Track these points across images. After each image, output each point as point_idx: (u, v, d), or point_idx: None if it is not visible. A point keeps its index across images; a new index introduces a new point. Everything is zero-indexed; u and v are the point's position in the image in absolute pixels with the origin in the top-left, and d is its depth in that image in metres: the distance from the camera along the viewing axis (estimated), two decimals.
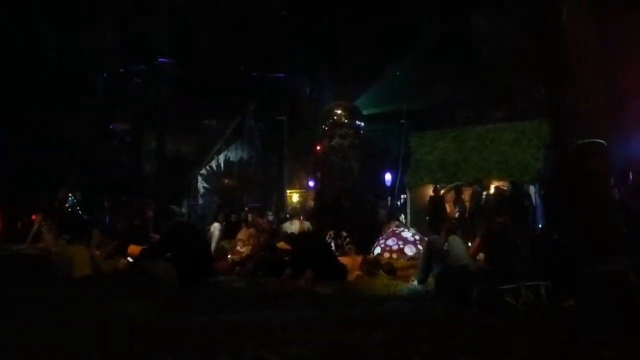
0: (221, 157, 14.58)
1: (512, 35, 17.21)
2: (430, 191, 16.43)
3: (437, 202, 13.38)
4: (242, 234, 10.12)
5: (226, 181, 14.85)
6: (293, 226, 9.29)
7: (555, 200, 5.47)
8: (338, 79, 21.45)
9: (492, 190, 14.02)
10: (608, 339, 3.06)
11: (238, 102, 16.74)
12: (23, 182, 14.54)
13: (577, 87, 4.41)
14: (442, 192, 14.13)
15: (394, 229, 9.66)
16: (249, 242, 9.14)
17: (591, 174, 4.30)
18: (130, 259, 6.69)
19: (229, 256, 8.61)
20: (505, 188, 13.83)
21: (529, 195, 12.01)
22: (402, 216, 12.40)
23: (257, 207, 11.79)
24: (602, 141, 4.30)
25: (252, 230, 10.15)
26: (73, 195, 12.71)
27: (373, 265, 6.94)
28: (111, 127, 18.21)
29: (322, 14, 20.34)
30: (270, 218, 12.30)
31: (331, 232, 8.94)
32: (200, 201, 14.06)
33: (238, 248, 9.33)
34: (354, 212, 11.02)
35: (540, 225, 10.79)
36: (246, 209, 12.94)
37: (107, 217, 13.53)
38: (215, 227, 10.51)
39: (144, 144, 17.53)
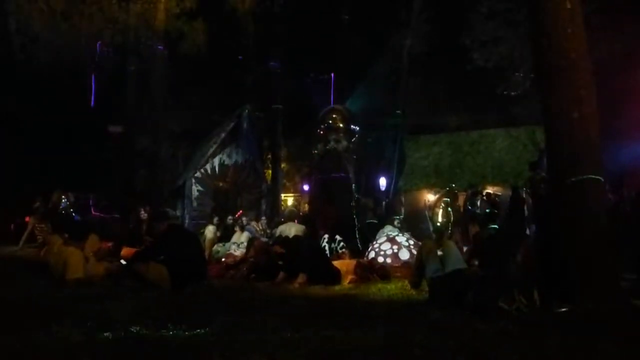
0: (216, 161, 14.52)
1: (506, 41, 17.29)
2: (425, 196, 16.49)
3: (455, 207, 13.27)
4: (236, 238, 10.11)
5: (220, 184, 14.81)
6: (290, 229, 9.29)
7: (547, 207, 5.48)
8: (333, 82, 21.55)
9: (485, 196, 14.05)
10: (601, 344, 3.07)
11: (234, 104, 16.76)
12: (17, 184, 14.47)
13: (570, 93, 4.43)
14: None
15: (389, 233, 9.67)
16: (243, 246, 9.13)
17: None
18: (123, 262, 6.66)
19: (223, 259, 8.59)
20: (500, 194, 13.88)
21: (525, 200, 12.03)
22: (397, 221, 12.38)
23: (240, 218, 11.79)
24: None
25: (246, 233, 10.14)
26: (66, 197, 12.66)
27: (367, 270, 6.94)
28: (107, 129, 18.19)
29: (319, 17, 20.45)
30: (264, 222, 12.28)
31: (325, 236, 8.94)
32: (195, 204, 14.00)
33: (232, 251, 9.31)
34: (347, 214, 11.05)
35: (533, 230, 10.79)
36: (240, 212, 12.88)
37: (100, 219, 13.49)
38: (210, 230, 10.49)
39: (138, 146, 17.49)
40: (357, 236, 10.60)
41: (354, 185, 11.69)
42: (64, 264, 5.98)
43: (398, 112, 21.74)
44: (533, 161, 9.94)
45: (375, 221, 12.25)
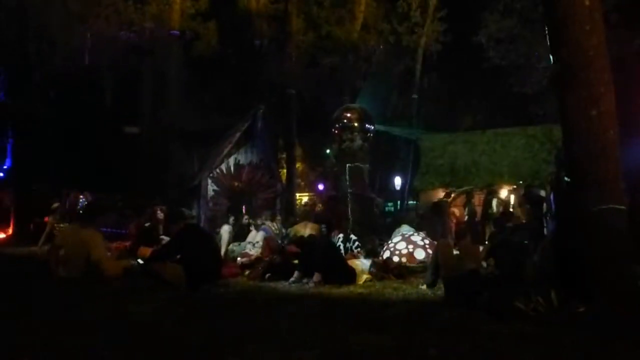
0: (231, 160, 14.60)
1: (522, 38, 17.12)
2: (441, 195, 16.37)
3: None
4: (251, 237, 10.14)
5: (235, 184, 14.88)
6: (305, 228, 9.28)
7: (566, 205, 5.41)
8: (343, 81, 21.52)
9: (502, 196, 13.95)
10: (617, 346, 3.03)
11: (248, 104, 16.84)
12: (35, 185, 14.69)
13: (588, 91, 4.37)
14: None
15: (404, 232, 9.63)
16: (259, 245, 9.15)
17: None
18: (140, 261, 6.73)
19: (239, 259, 8.63)
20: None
21: (544, 199, 11.93)
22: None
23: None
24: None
25: (262, 233, 10.16)
26: (84, 197, 12.82)
27: (382, 269, 6.92)
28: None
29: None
30: (279, 221, 12.29)
31: (340, 236, 8.93)
32: (210, 204, 14.08)
33: (247, 251, 9.34)
34: (362, 215, 11.05)
35: (551, 230, 10.68)
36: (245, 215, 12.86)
37: (117, 219, 13.61)
38: (225, 230, 10.54)
39: (153, 146, 17.64)
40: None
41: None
42: (87, 246, 5.94)
43: (413, 110, 21.70)
44: (559, 159, 9.78)
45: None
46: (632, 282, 4.33)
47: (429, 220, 13.19)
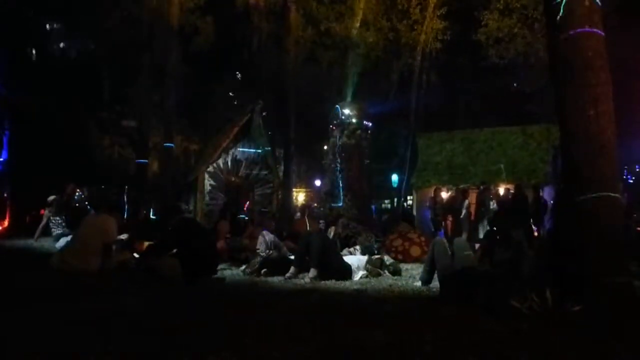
0: (229, 155, 14.60)
1: (521, 37, 17.15)
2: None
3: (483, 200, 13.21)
4: (248, 233, 10.13)
5: (233, 179, 14.87)
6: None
7: (563, 206, 5.43)
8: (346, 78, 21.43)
9: (499, 194, 13.96)
10: (612, 345, 3.05)
11: (246, 99, 16.82)
12: (32, 177, 14.65)
13: (586, 92, 4.38)
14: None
15: (401, 230, 9.66)
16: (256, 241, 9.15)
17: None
18: (136, 255, 6.73)
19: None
20: (512, 191, 13.80)
21: (543, 198, 12.00)
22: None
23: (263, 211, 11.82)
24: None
25: (258, 228, 10.16)
26: (81, 190, 12.80)
27: (378, 266, 6.94)
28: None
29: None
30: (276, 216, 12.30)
31: (339, 231, 8.95)
32: (207, 198, 14.07)
33: (244, 246, 9.33)
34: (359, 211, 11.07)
35: (547, 228, 10.76)
36: (248, 202, 12.90)
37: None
38: (222, 225, 10.54)
39: (151, 140, 17.59)
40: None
41: None
42: (101, 230, 5.97)
43: (411, 108, 21.67)
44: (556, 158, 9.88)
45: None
46: (628, 281, 4.36)
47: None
